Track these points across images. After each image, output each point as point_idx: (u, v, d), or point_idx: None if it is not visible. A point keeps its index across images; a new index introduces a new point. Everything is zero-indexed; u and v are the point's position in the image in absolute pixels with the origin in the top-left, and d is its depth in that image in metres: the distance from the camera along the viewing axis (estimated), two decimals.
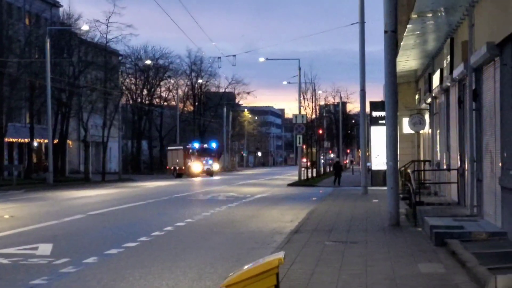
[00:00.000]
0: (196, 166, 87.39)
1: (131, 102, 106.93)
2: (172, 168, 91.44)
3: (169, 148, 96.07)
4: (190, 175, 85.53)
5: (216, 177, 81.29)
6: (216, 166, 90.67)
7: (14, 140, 77.15)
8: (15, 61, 68.34)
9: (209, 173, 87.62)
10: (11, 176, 62.84)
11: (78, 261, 15.74)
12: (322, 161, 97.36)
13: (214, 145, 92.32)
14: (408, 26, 24.65)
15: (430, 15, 23.09)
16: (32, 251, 17.34)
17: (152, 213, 29.89)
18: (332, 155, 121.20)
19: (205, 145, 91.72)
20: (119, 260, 16.12)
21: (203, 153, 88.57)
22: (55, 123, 76.15)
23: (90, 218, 27.49)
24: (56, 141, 75.71)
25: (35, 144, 69.48)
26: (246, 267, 10.00)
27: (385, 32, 22.57)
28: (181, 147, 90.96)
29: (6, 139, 70.99)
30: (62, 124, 78.92)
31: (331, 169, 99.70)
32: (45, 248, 17.75)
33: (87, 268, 14.87)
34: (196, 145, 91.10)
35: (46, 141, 71.39)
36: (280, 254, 10.08)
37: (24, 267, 14.94)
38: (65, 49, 77.11)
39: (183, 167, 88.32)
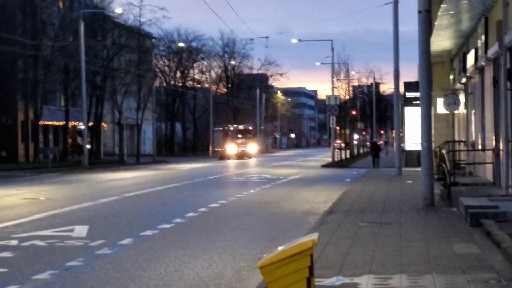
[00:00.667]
0: (231, 148, 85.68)
1: (164, 85, 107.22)
2: (217, 150, 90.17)
3: (214, 129, 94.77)
4: (226, 157, 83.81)
5: (250, 159, 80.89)
6: (252, 148, 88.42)
7: (49, 123, 77.68)
8: (49, 44, 68.72)
9: (246, 155, 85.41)
10: (46, 159, 63.36)
11: (113, 242, 15.85)
12: (356, 142, 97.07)
13: (250, 126, 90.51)
14: (442, 5, 24.43)
15: None
16: (68, 233, 17.49)
17: (186, 195, 30.02)
18: (366, 136, 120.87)
19: (240, 126, 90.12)
20: (154, 241, 16.21)
21: (238, 134, 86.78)
22: (90, 106, 76.54)
23: (125, 200, 27.67)
24: (91, 123, 76.16)
25: (82, 127, 69.70)
26: (279, 248, 10.02)
27: (419, 12, 22.41)
28: (221, 128, 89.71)
29: (41, 122, 71.54)
30: (96, 107, 79.34)
31: (364, 150, 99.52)
32: (80, 230, 17.89)
33: (122, 250, 14.98)
34: (232, 126, 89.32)
35: (81, 123, 71.82)
36: (314, 235, 10.09)
37: (60, 249, 15.08)
38: (99, 32, 77.40)
39: (222, 149, 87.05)
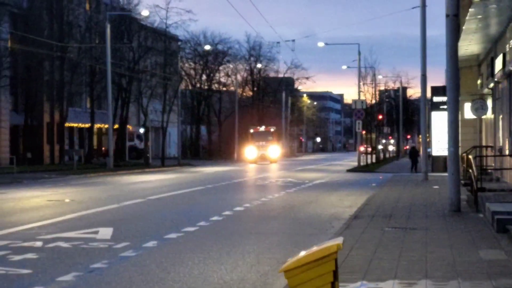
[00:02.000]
0: (251, 151, 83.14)
1: (190, 87, 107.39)
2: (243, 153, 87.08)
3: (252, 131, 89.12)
4: (248, 161, 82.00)
5: (274, 163, 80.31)
6: (275, 152, 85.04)
7: (75, 125, 78.07)
8: (75, 46, 69.08)
9: (268, 159, 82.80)
10: (71, 161, 63.62)
11: (138, 245, 15.83)
12: (381, 146, 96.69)
13: (272, 128, 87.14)
14: (470, 10, 24.27)
15: None
16: (92, 235, 17.50)
17: (211, 198, 30.00)
18: (392, 141, 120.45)
19: (261, 128, 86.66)
20: (178, 244, 16.18)
21: (260, 137, 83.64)
22: (115, 108, 76.84)
23: (150, 203, 27.68)
24: (116, 126, 76.43)
25: (141, 130, 69.58)
26: (304, 252, 9.95)
27: (447, 16, 22.26)
28: (251, 131, 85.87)
29: (66, 124, 71.89)
30: (122, 109, 79.62)
31: (390, 155, 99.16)
32: (105, 232, 17.90)
33: (146, 252, 14.95)
34: (253, 128, 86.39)
35: (106, 126, 72.09)
36: (339, 240, 10.01)
37: (84, 251, 15.08)
38: (125, 34, 77.69)
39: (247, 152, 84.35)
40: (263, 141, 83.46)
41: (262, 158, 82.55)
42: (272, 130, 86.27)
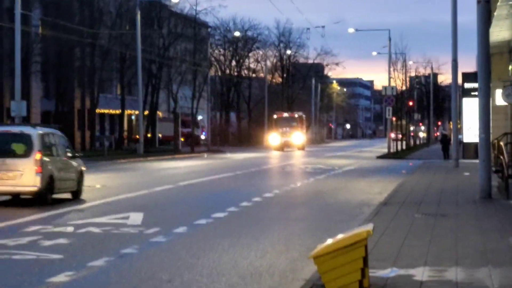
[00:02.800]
0: (275, 138, 79.50)
1: (219, 74, 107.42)
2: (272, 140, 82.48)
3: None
4: (273, 147, 79.23)
5: (301, 150, 79.51)
6: (299, 138, 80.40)
7: (105, 111, 78.39)
8: (106, 33, 69.30)
9: (293, 145, 79.23)
10: (102, 147, 63.94)
11: (168, 230, 15.91)
12: (413, 133, 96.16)
13: (296, 114, 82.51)
14: None
15: None
16: (123, 220, 17.60)
17: (241, 184, 30.05)
18: (422, 128, 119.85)
19: (285, 114, 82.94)
20: (208, 230, 16.24)
21: (284, 123, 79.35)
22: (145, 94, 77.05)
23: (180, 189, 27.78)
24: (146, 112, 76.66)
25: (200, 117, 68.50)
26: (334, 238, 9.95)
27: (478, 2, 22.08)
28: (274, 117, 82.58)
29: (97, 110, 72.22)
30: (152, 96, 79.80)
31: (420, 141, 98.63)
32: (136, 218, 17.99)
33: (176, 238, 15.02)
34: (277, 114, 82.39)
35: (136, 112, 72.34)
36: (369, 226, 10.01)
37: (115, 236, 15.18)
38: (155, 21, 77.81)
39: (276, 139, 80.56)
40: (287, 127, 79.65)
41: (286, 144, 79.06)
42: (296, 116, 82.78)
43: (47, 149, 21.63)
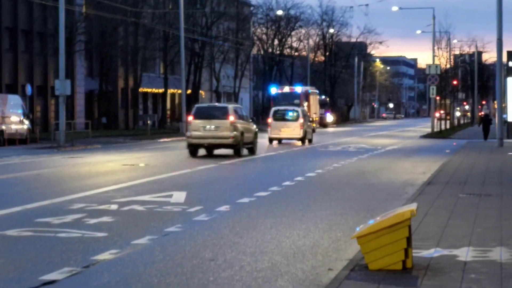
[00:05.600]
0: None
1: (262, 53, 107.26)
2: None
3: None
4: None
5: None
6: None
7: (148, 90, 78.75)
8: (149, 11, 69.52)
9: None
10: (145, 126, 64.27)
11: (211, 209, 15.96)
12: (458, 113, 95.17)
13: (299, 88, 69.11)
14: None
15: None
16: (166, 198, 17.69)
17: (283, 164, 30.04)
18: (466, 107, 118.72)
19: (287, 88, 69.87)
20: (250, 209, 16.26)
21: (284, 100, 64.76)
22: (188, 73, 77.26)
23: (223, 168, 27.85)
24: (189, 91, 76.90)
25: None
26: (377, 218, 9.91)
27: None
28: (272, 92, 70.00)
29: (141, 89, 72.57)
30: (194, 75, 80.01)
31: (465, 121, 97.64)
32: (179, 196, 18.06)
33: (219, 216, 15.07)
34: (274, 89, 69.80)
35: (179, 91, 72.58)
36: (413, 206, 9.95)
37: (159, 214, 15.26)
38: (198, 0, 77.87)
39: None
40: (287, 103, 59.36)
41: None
42: (299, 92, 68.08)
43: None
